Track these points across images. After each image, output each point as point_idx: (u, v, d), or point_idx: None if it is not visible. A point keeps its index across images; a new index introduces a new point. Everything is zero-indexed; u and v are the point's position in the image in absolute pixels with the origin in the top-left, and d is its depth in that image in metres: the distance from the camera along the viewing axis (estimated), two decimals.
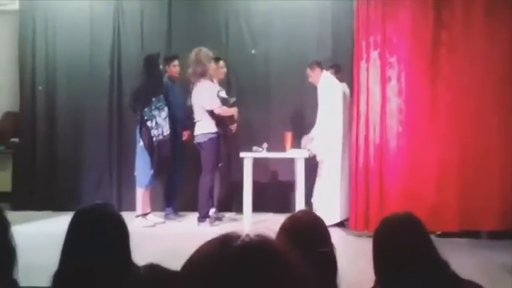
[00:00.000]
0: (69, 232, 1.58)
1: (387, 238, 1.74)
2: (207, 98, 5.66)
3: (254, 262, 0.65)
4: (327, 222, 5.56)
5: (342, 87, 5.84)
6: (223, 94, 5.77)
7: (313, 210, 5.42)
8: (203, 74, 5.69)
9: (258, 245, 0.67)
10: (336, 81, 5.79)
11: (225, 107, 5.72)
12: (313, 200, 5.71)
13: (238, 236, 0.67)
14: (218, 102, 5.67)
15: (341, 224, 5.56)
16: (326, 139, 5.61)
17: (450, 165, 4.93)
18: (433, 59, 5.00)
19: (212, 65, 5.78)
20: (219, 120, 5.71)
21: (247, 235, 0.67)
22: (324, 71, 5.76)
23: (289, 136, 5.78)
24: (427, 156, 4.97)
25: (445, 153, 4.94)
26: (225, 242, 0.67)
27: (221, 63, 6.10)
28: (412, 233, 1.72)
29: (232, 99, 5.87)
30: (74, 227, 1.59)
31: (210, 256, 0.67)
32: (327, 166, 5.64)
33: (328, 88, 5.68)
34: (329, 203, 5.53)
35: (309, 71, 5.77)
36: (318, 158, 5.68)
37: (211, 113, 5.68)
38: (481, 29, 4.93)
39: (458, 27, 4.96)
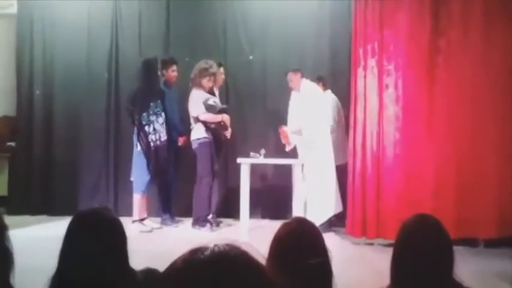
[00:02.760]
0: (68, 236, 1.57)
1: (413, 241, 1.73)
2: (193, 106, 5.84)
3: (222, 268, 0.73)
4: (323, 219, 5.61)
5: (327, 95, 6.06)
6: (211, 102, 5.83)
7: (306, 211, 5.51)
8: (195, 84, 5.84)
9: (226, 253, 0.75)
10: (317, 87, 5.94)
11: (210, 114, 5.79)
12: (306, 201, 5.71)
13: (207, 247, 0.76)
14: (202, 109, 5.77)
15: (334, 224, 5.64)
16: (315, 142, 5.69)
17: (447, 173, 4.93)
18: (430, 66, 5.02)
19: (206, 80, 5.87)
20: (208, 126, 5.80)
21: (216, 245, 0.76)
22: (304, 79, 5.89)
23: (285, 130, 5.81)
24: (424, 163, 4.97)
25: (441, 161, 4.95)
26: (196, 252, 0.75)
27: (221, 69, 6.16)
28: (439, 245, 1.72)
29: (220, 106, 5.91)
30: (72, 230, 1.58)
31: (183, 264, 0.75)
32: (319, 166, 5.69)
33: (312, 94, 5.82)
34: (323, 201, 5.63)
35: (291, 74, 5.86)
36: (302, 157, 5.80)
37: (196, 121, 5.81)
38: (479, 36, 4.94)
39: (455, 35, 4.98)
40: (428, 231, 1.73)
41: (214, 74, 5.90)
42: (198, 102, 5.81)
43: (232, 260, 0.75)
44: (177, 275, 0.75)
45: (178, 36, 6.76)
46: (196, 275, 0.73)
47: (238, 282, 0.73)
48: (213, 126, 5.84)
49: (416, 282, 1.67)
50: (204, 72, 5.84)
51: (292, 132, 5.89)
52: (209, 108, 5.81)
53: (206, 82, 5.87)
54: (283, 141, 5.90)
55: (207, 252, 0.75)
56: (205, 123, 5.80)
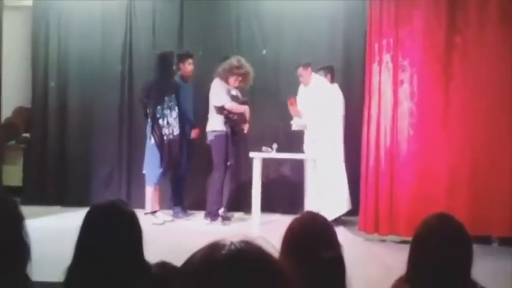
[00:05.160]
0: (84, 227, 1.58)
1: (432, 241, 1.72)
2: (216, 95, 5.77)
3: (240, 265, 0.75)
4: (334, 215, 5.62)
5: (333, 88, 5.92)
6: (233, 93, 5.81)
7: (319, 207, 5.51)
8: (220, 77, 5.79)
9: (243, 250, 0.77)
10: (327, 82, 5.86)
11: (234, 103, 5.76)
12: (319, 196, 5.70)
13: (225, 244, 0.78)
14: (228, 99, 5.72)
15: (343, 222, 5.62)
16: (326, 138, 5.69)
17: (461, 170, 4.89)
18: (445, 62, 4.97)
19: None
20: (229, 118, 5.74)
21: (232, 243, 0.78)
22: (314, 73, 5.83)
23: (294, 102, 5.76)
24: (438, 160, 4.94)
25: (456, 158, 4.91)
26: (215, 249, 0.77)
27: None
28: (459, 248, 1.71)
29: (241, 99, 5.90)
30: (89, 222, 1.59)
31: (201, 260, 0.77)
32: (330, 163, 5.68)
33: (321, 89, 5.77)
34: (335, 197, 5.62)
35: (301, 70, 5.81)
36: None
37: (219, 111, 5.74)
38: (495, 33, 4.89)
39: (471, 31, 4.93)
40: (453, 232, 1.72)
41: (242, 75, 5.82)
42: (222, 92, 5.75)
43: (248, 257, 0.76)
44: (195, 271, 0.77)
45: (192, 30, 6.76)
46: (214, 272, 0.74)
47: (254, 279, 0.75)
48: (235, 117, 5.79)
49: (432, 279, 1.67)
50: (235, 70, 5.77)
51: (297, 126, 5.88)
52: (233, 99, 5.79)
53: (233, 81, 5.81)
54: (292, 113, 5.81)
55: (224, 250, 0.76)
56: (227, 115, 5.75)
